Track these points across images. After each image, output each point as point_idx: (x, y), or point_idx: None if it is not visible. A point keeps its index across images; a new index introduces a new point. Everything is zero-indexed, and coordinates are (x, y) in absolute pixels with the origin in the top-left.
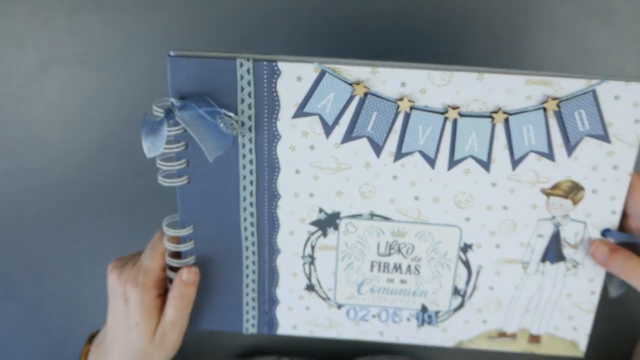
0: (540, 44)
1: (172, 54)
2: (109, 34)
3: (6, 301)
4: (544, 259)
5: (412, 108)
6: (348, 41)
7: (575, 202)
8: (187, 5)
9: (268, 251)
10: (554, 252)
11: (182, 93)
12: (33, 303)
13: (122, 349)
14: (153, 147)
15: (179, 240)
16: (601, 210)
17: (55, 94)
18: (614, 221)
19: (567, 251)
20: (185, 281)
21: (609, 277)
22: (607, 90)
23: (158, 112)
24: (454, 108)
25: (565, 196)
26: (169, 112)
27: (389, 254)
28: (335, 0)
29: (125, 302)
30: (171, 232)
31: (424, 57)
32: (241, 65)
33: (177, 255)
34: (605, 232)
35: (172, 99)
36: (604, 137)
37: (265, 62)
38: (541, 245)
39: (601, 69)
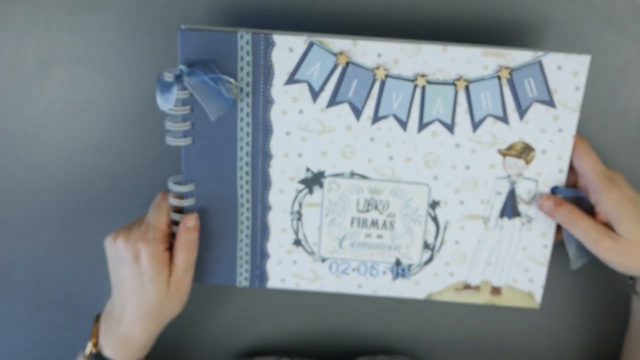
0: (540, 44)
1: (182, 27)
2: (109, 34)
3: (6, 301)
4: (502, 214)
5: (387, 76)
6: (333, 18)
7: (527, 162)
8: (187, 5)
9: (261, 208)
10: (510, 208)
11: (190, 61)
12: (33, 303)
13: (136, 309)
14: (165, 102)
15: (182, 197)
16: (550, 169)
17: (55, 94)
18: (561, 179)
19: (521, 207)
20: (189, 227)
21: (568, 248)
22: (551, 61)
23: (168, 75)
24: (423, 76)
25: (519, 156)
26: (178, 77)
27: (367, 211)
28: None
29: (136, 261)
30: (176, 189)
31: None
32: (241, 37)
33: (179, 212)
34: (554, 189)
35: (182, 66)
36: (550, 103)
37: (262, 35)
38: (499, 201)
39: (601, 69)
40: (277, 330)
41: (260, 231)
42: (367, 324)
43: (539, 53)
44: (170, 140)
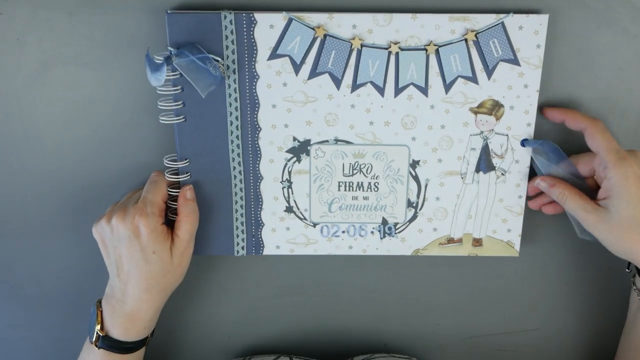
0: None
1: (169, 11)
2: (109, 34)
3: (6, 300)
4: (477, 169)
5: (362, 45)
6: None
7: (497, 118)
8: (186, 5)
9: (253, 178)
10: (485, 162)
11: (177, 43)
12: (33, 302)
13: (141, 283)
14: (156, 80)
15: (177, 173)
16: (519, 123)
17: (55, 94)
18: (529, 132)
19: (495, 161)
20: (189, 198)
21: (571, 219)
22: (513, 22)
23: (158, 59)
24: (395, 43)
25: (489, 113)
26: (167, 59)
27: (353, 174)
28: None
29: (137, 236)
30: (171, 165)
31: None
32: (225, 17)
33: (175, 189)
34: (523, 142)
35: (170, 48)
36: (514, 61)
37: (244, 14)
38: (474, 157)
39: (601, 69)
40: (276, 329)
41: (254, 201)
42: (366, 324)
43: (501, 15)
44: (163, 120)
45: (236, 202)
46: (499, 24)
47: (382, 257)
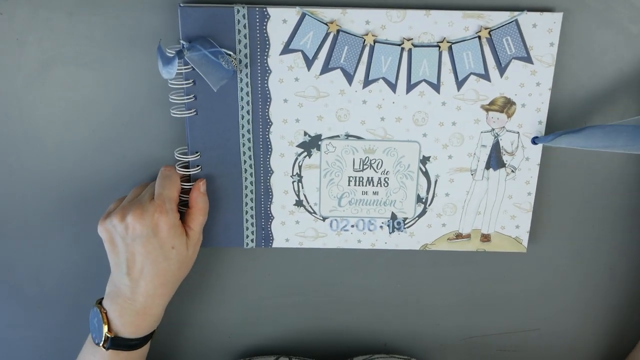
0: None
1: (181, 4)
2: (109, 34)
3: (6, 300)
4: (487, 166)
5: (375, 41)
6: None
7: (509, 115)
8: None
9: (263, 172)
10: (495, 159)
11: (190, 37)
12: (33, 302)
13: (156, 279)
14: (167, 73)
15: (188, 166)
16: (530, 121)
17: (55, 94)
18: (541, 129)
19: (506, 158)
20: (203, 191)
21: None
22: (527, 20)
23: (170, 52)
24: (409, 40)
25: (501, 110)
26: (179, 52)
27: (363, 169)
28: None
29: (155, 234)
30: (182, 159)
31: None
32: (238, 11)
33: (186, 182)
34: (534, 139)
35: (182, 42)
36: (527, 59)
37: (257, 8)
38: (485, 154)
39: (600, 69)
40: (276, 329)
41: (264, 194)
42: (366, 324)
43: (515, 13)
44: (175, 114)
45: (246, 195)
46: (512, 21)
47: (384, 257)
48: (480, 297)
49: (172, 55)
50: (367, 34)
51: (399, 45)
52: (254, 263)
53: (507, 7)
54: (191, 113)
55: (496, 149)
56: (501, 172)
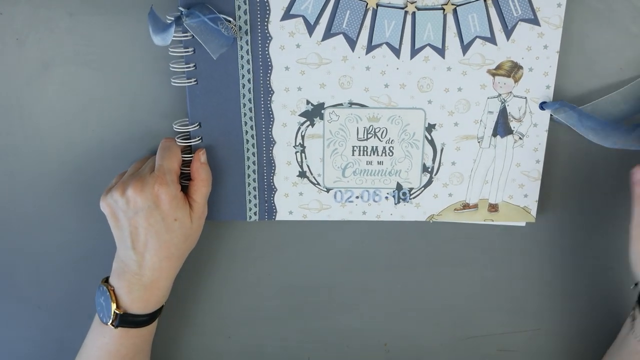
0: None
1: None
2: (109, 35)
3: (6, 300)
4: (494, 133)
5: (378, 5)
6: None
7: (516, 80)
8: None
9: (265, 143)
10: (502, 126)
11: (188, 3)
12: (33, 302)
13: (161, 252)
14: (162, 40)
15: (189, 137)
16: (538, 86)
17: (55, 94)
18: (549, 94)
19: (513, 125)
20: (203, 161)
21: None
22: None
23: (169, 18)
24: (412, 2)
25: (508, 75)
26: (178, 19)
27: (367, 138)
28: None
29: (157, 206)
30: (182, 130)
31: None
32: None
33: (187, 154)
34: (542, 105)
35: (181, 8)
36: (534, 21)
37: None
38: (491, 120)
39: (600, 69)
40: (276, 329)
41: (266, 166)
42: (366, 324)
43: None
44: (175, 82)
45: (248, 167)
46: None
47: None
48: (480, 297)
49: (170, 22)
50: None
51: (403, 8)
52: (255, 260)
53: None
54: (191, 82)
55: (503, 115)
56: (509, 139)
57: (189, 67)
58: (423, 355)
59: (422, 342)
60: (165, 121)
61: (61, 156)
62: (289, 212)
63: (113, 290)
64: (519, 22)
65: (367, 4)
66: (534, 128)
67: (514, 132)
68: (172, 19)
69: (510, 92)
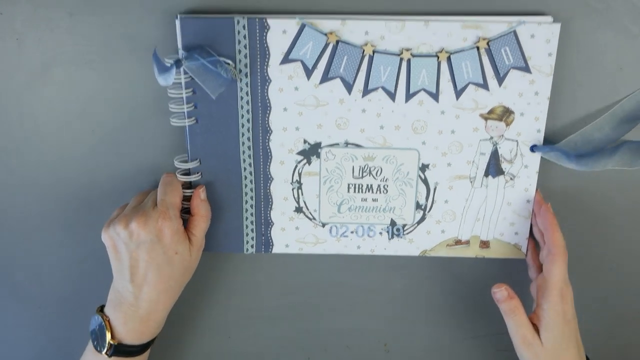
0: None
1: (180, 15)
2: (109, 35)
3: (6, 300)
4: (486, 173)
5: (374, 52)
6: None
7: (507, 124)
8: (187, 5)
9: (263, 179)
10: (494, 167)
11: (189, 46)
12: (33, 302)
13: (159, 285)
14: (165, 81)
15: (189, 173)
16: (529, 130)
17: (55, 94)
18: (539, 138)
19: (504, 166)
20: (203, 198)
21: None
22: (525, 30)
23: (168, 61)
24: (407, 50)
25: (500, 119)
26: (177, 62)
27: (362, 177)
28: None
29: (159, 240)
30: (183, 166)
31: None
32: (238, 22)
33: (187, 188)
34: (533, 148)
35: (181, 51)
36: (526, 69)
37: (257, 19)
38: (484, 162)
39: (600, 69)
40: (276, 329)
41: (264, 201)
42: (366, 324)
43: (514, 24)
44: (175, 122)
45: (246, 201)
46: (511, 32)
47: (386, 259)
48: (480, 297)
49: (169, 64)
50: (366, 44)
51: (398, 55)
52: (256, 263)
53: (506, 12)
54: (191, 121)
55: (495, 157)
56: (500, 179)
57: (189, 107)
58: (423, 355)
59: (422, 342)
60: (166, 129)
61: (61, 156)
62: (286, 245)
63: (109, 321)
64: (511, 70)
65: (364, 50)
66: (525, 169)
67: (505, 172)
68: (172, 61)
69: (502, 135)
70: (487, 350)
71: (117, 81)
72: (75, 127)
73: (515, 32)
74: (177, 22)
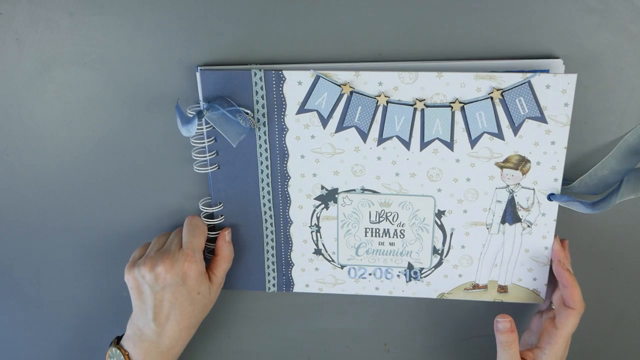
0: (539, 45)
1: (200, 67)
2: (109, 35)
3: (6, 300)
4: (503, 220)
5: (388, 102)
6: (339, 47)
7: (524, 173)
8: (187, 6)
9: (283, 222)
10: (511, 214)
11: (209, 97)
12: (33, 302)
13: (181, 322)
14: (188, 132)
15: (212, 216)
16: (545, 178)
17: (55, 95)
18: (556, 187)
19: (521, 213)
20: (228, 240)
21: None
22: (540, 81)
23: (190, 113)
24: (421, 100)
25: (515, 168)
26: (199, 113)
27: (379, 221)
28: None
29: (184, 282)
30: (207, 210)
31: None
32: (255, 74)
33: (211, 230)
34: (550, 196)
35: (202, 103)
36: (541, 119)
37: (273, 72)
38: (500, 209)
39: (600, 69)
40: (276, 329)
41: (284, 243)
42: (366, 324)
43: (528, 75)
44: (198, 170)
45: (267, 243)
46: (525, 83)
47: None
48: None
49: (192, 115)
50: (379, 95)
51: (412, 105)
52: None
53: (516, 56)
54: (213, 168)
55: (511, 205)
56: (517, 226)
57: (212, 155)
58: (423, 355)
59: (422, 342)
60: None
61: (61, 156)
62: (306, 285)
63: (128, 355)
64: (526, 120)
65: (378, 101)
66: (542, 217)
67: (522, 220)
68: (194, 112)
69: (518, 184)
70: (487, 350)
71: (116, 81)
72: (75, 127)
73: (530, 83)
74: (197, 74)
